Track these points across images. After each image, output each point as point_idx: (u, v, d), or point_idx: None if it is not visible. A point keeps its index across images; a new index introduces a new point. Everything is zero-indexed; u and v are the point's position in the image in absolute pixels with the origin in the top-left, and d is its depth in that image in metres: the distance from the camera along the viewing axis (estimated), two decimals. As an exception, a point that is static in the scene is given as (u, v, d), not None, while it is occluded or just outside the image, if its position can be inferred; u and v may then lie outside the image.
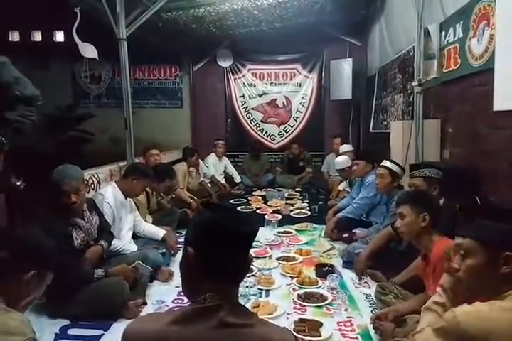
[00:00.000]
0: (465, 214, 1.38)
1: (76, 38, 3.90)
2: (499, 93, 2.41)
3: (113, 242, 2.77)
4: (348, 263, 3.16)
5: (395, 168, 3.28)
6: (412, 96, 3.96)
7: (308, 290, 2.67)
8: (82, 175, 2.55)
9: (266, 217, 4.52)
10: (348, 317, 2.36)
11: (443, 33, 3.32)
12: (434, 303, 1.34)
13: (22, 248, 1.28)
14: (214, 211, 1.04)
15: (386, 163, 3.35)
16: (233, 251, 0.99)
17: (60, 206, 2.38)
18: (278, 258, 3.31)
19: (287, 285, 2.83)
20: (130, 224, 3.16)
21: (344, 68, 6.41)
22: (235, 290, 1.03)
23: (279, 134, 7.53)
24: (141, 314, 2.34)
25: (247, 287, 2.60)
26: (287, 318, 2.32)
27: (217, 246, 0.97)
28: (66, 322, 2.33)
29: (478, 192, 2.63)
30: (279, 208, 5.02)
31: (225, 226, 0.98)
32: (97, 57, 4.04)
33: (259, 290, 2.70)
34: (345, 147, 5.52)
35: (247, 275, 2.91)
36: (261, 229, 4.09)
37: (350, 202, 4.03)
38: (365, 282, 2.89)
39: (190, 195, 4.95)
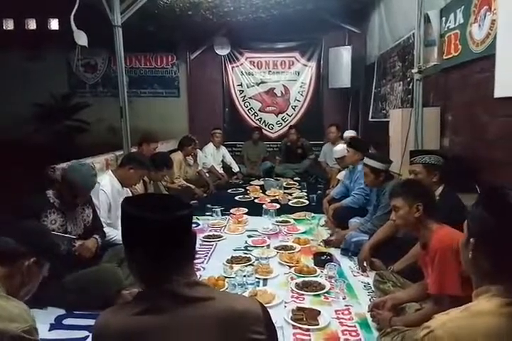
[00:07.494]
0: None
1: (73, 25, 3.80)
2: (500, 80, 2.37)
3: (107, 231, 2.76)
4: (345, 251, 3.16)
5: (376, 164, 3.11)
6: (411, 84, 3.92)
7: (306, 279, 2.66)
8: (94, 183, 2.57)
9: (264, 206, 4.52)
10: (346, 306, 2.36)
11: (443, 19, 3.26)
12: None
13: (24, 235, 1.31)
14: (130, 205, 1.00)
15: (366, 160, 3.21)
16: (171, 237, 0.95)
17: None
18: (276, 247, 3.30)
19: (285, 274, 2.82)
20: (127, 214, 3.14)
21: (343, 56, 6.35)
22: (189, 269, 1.02)
23: (277, 123, 7.48)
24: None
25: (244, 276, 2.59)
26: (285, 307, 2.32)
27: (151, 237, 0.94)
28: (61, 312, 2.33)
29: (479, 180, 2.61)
30: (277, 197, 5.00)
31: (142, 217, 0.94)
32: (87, 45, 3.92)
33: (257, 279, 2.69)
34: (349, 132, 5.39)
35: (246, 264, 2.91)
36: (259, 218, 4.17)
37: (343, 190, 4.02)
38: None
39: (188, 185, 4.93)
